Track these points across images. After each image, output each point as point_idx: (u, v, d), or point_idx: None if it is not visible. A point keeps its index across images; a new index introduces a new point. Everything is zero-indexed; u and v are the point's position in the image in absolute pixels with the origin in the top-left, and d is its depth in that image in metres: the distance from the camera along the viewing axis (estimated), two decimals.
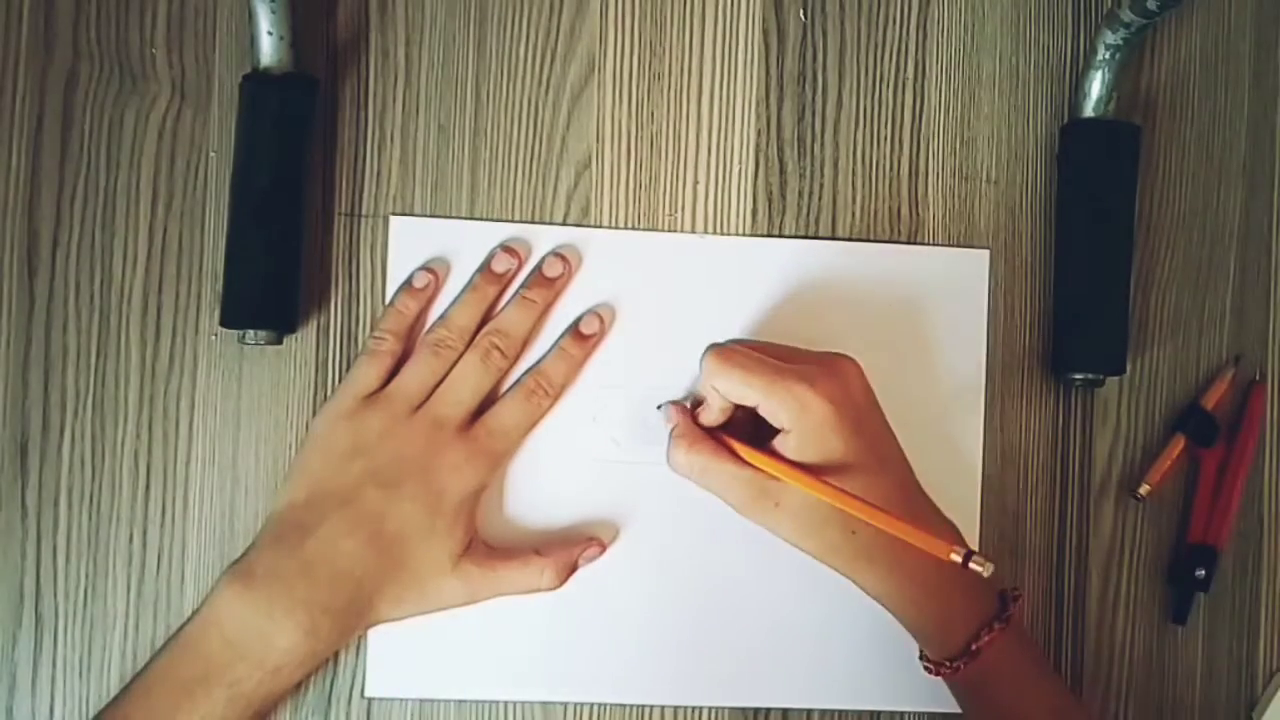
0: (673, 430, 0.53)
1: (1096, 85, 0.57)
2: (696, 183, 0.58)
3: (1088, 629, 0.59)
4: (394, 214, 0.56)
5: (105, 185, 0.55)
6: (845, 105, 0.58)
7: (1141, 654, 0.59)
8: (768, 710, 0.57)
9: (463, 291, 0.55)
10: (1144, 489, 0.58)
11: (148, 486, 0.55)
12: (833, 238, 0.58)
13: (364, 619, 0.52)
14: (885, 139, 0.59)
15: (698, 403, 0.54)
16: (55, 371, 0.55)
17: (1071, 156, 0.58)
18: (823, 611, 0.57)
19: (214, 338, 0.55)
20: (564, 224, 0.57)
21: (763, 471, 0.50)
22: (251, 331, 0.53)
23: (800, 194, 0.58)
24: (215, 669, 0.49)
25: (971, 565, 0.47)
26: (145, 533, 0.55)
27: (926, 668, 0.53)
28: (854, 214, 0.58)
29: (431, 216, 0.56)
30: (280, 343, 0.55)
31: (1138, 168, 0.58)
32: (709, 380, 0.51)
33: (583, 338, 0.56)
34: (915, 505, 0.52)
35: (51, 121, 0.55)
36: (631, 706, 0.56)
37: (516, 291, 0.56)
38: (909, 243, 0.58)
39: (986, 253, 0.59)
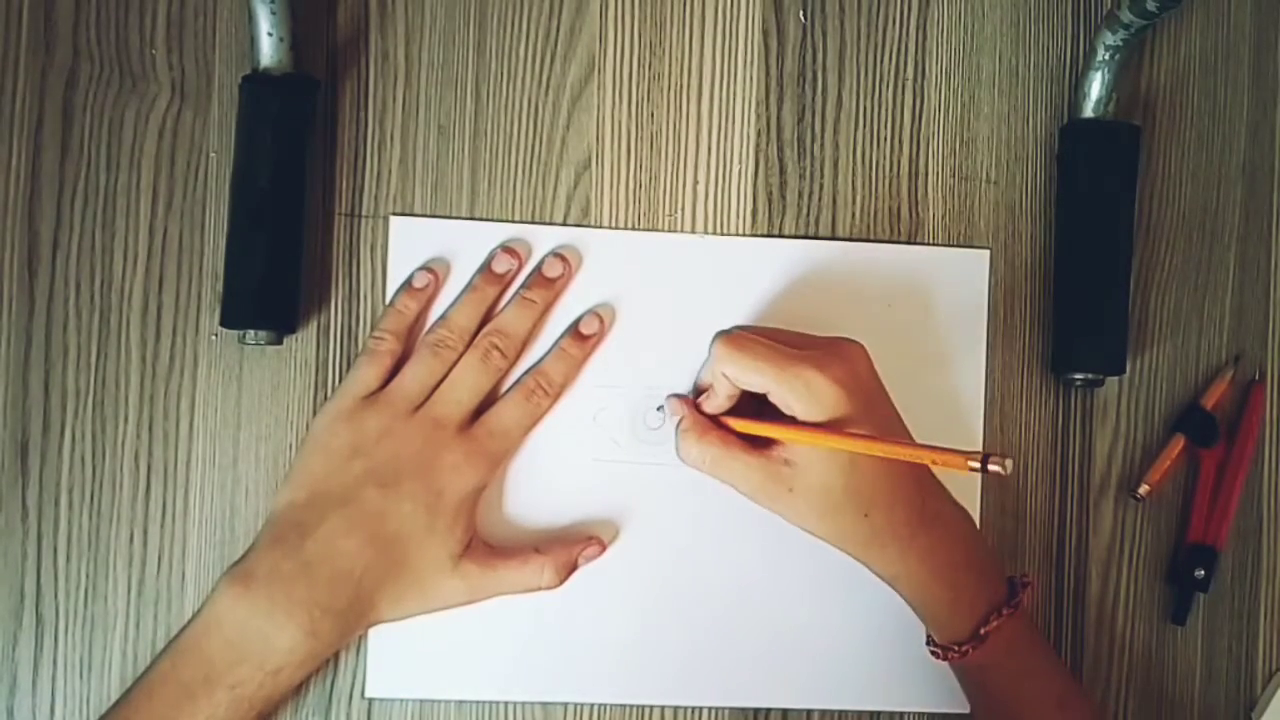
0: (679, 424, 0.53)
1: (1096, 86, 0.57)
2: (696, 183, 0.58)
3: (1087, 629, 0.59)
4: (394, 214, 0.56)
5: (105, 185, 0.55)
6: (845, 105, 0.58)
7: (1141, 654, 0.59)
8: (768, 710, 0.57)
9: (463, 292, 0.55)
10: (1144, 489, 0.58)
11: (148, 486, 0.55)
12: (833, 238, 0.58)
13: (364, 619, 0.52)
14: (885, 139, 0.59)
15: (699, 393, 0.54)
16: (55, 371, 0.55)
17: (1071, 157, 0.58)
18: (823, 611, 0.57)
19: (214, 338, 0.55)
20: (564, 224, 0.57)
21: (772, 438, 0.51)
22: (251, 332, 0.53)
23: (800, 194, 0.58)
24: (217, 671, 0.49)
25: (990, 466, 0.43)
26: (146, 533, 0.55)
27: (934, 652, 0.53)
28: (854, 214, 0.58)
29: (431, 217, 0.56)
30: (280, 343, 0.55)
31: (1138, 168, 0.58)
32: (719, 366, 0.51)
33: (583, 338, 0.56)
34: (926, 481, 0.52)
35: (51, 121, 0.55)
36: (631, 706, 0.56)
37: (516, 292, 0.56)
38: (909, 243, 0.58)
39: (986, 253, 0.59)
